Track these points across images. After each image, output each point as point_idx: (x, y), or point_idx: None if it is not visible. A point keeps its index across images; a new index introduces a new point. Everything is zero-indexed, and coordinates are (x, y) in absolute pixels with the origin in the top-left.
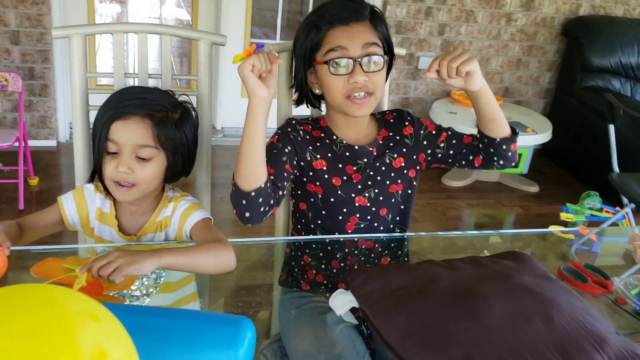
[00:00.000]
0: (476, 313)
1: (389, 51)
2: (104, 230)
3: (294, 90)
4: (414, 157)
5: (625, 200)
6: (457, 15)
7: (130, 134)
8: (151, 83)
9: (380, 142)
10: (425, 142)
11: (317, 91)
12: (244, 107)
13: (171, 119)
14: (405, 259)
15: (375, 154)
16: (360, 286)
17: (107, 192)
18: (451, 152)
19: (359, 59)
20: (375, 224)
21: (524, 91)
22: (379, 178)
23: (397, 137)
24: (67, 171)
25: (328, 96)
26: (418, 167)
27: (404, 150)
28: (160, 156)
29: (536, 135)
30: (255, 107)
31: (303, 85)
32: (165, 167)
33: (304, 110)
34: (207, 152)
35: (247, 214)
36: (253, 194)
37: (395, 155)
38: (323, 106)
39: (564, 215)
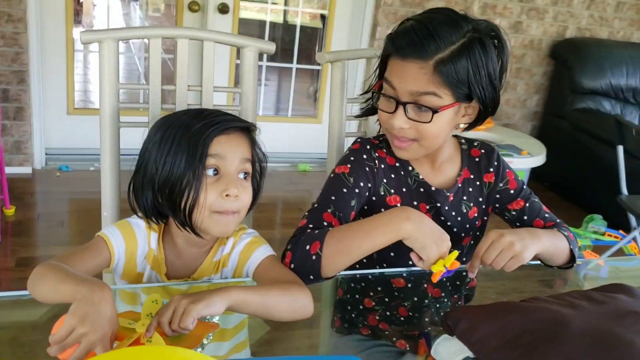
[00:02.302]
0: None
1: (467, 97)
2: (152, 278)
3: (365, 99)
4: (484, 207)
5: (633, 223)
6: None
7: (237, 145)
8: (190, 95)
9: (460, 185)
10: (498, 197)
11: None
12: (293, 131)
13: (257, 138)
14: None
15: (451, 200)
16: (470, 331)
17: (191, 231)
18: (517, 224)
19: (403, 103)
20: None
21: (512, 114)
22: (455, 229)
23: (477, 183)
24: (43, 200)
25: None
26: (485, 218)
27: (480, 199)
28: (250, 179)
29: (532, 158)
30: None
31: (375, 98)
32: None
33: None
34: None
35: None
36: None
37: (472, 204)
38: None
39: None
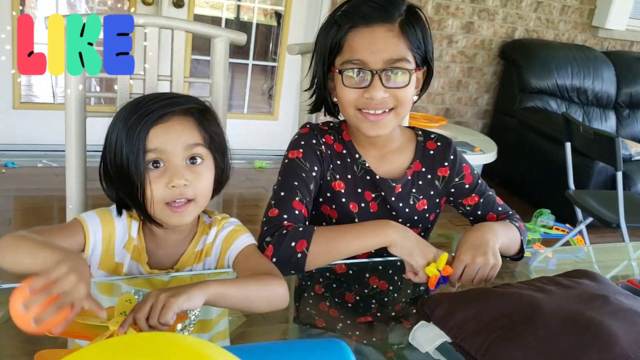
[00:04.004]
0: (602, 341)
1: (424, 61)
2: (133, 268)
3: (310, 94)
4: (437, 200)
5: (579, 217)
6: None
7: (176, 134)
8: (161, 85)
9: (409, 177)
10: (453, 190)
11: (335, 99)
12: (249, 127)
13: (211, 114)
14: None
15: (398, 191)
16: (446, 317)
17: (153, 223)
18: (471, 218)
19: (379, 72)
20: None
21: (464, 112)
22: (400, 220)
23: (429, 177)
24: None
25: (340, 107)
26: (438, 211)
27: (431, 193)
28: (210, 159)
29: (484, 154)
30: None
31: (322, 90)
32: (214, 174)
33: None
34: None
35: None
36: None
37: (421, 197)
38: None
39: None
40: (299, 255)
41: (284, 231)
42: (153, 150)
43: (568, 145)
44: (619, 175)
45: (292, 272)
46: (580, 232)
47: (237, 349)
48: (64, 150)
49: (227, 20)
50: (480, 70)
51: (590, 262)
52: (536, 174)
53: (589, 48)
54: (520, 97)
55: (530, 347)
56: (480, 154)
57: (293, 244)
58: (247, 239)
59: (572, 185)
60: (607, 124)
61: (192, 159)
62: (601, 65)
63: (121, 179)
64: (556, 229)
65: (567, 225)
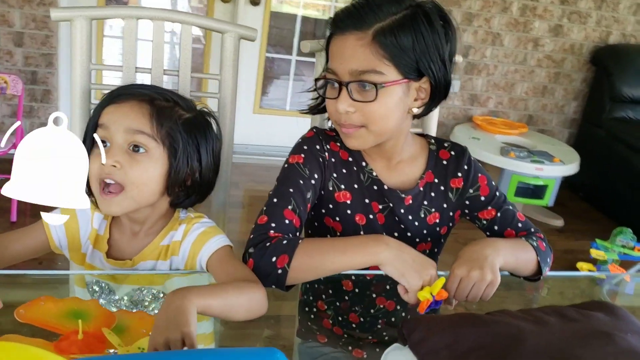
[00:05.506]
0: None
1: (420, 70)
2: (96, 257)
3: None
4: (451, 213)
5: None
6: (483, 37)
7: (123, 116)
8: (167, 80)
9: (421, 189)
10: (467, 203)
11: None
12: (256, 122)
13: (178, 114)
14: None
15: (408, 203)
16: (421, 342)
17: (95, 204)
18: (488, 234)
19: (345, 84)
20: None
21: (548, 120)
22: (408, 234)
23: (442, 188)
24: None
25: None
26: (451, 224)
27: (444, 205)
28: (159, 152)
29: (563, 166)
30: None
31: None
32: (166, 172)
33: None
34: (227, 168)
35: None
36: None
37: (433, 210)
38: None
39: (594, 252)
40: (279, 271)
41: (267, 243)
42: (101, 126)
43: None
44: None
45: (273, 287)
46: None
47: (170, 354)
48: None
49: (303, 17)
50: (569, 77)
51: None
52: (622, 190)
53: None
54: (611, 107)
55: None
56: (559, 165)
57: (274, 259)
58: (220, 241)
59: None
60: None
61: (135, 147)
62: None
63: None
64: (638, 250)
65: None
